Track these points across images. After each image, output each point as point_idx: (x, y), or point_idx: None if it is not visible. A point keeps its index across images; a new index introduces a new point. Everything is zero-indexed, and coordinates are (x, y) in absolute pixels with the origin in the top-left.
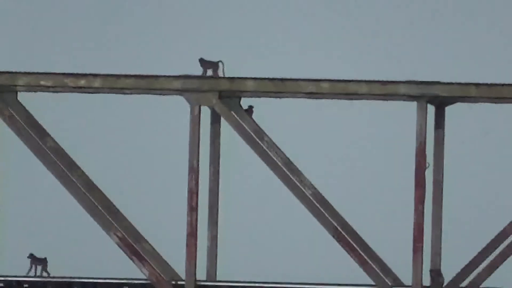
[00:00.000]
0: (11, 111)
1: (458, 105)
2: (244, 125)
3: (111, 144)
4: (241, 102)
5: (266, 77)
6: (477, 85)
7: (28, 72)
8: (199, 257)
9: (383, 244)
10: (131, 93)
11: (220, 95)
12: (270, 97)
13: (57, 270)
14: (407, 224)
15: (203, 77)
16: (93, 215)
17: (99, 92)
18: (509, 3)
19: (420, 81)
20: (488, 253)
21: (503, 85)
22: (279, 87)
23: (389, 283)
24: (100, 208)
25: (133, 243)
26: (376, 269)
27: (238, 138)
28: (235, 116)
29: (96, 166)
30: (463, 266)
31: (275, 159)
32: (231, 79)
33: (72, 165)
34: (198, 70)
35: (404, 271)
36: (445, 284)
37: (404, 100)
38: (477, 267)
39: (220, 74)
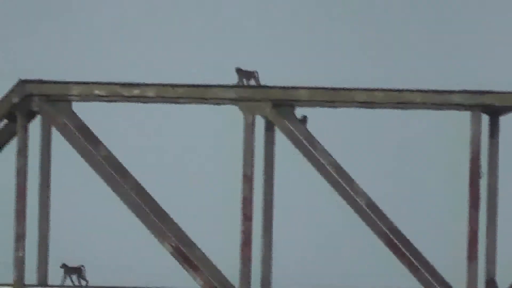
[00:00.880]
0: (64, 121)
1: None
2: (297, 134)
3: (165, 152)
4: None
5: (319, 86)
6: None
7: (82, 81)
8: (253, 266)
9: (436, 251)
10: (184, 103)
11: (274, 104)
12: (323, 106)
13: (108, 278)
14: (461, 232)
15: (256, 86)
16: (146, 223)
17: (152, 102)
18: None
19: (474, 91)
20: None
21: None
22: (332, 96)
23: None
24: (152, 216)
25: (186, 252)
26: (428, 276)
27: (292, 146)
28: (288, 124)
29: (148, 174)
30: None
31: (328, 167)
32: (284, 88)
33: (124, 173)
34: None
35: (457, 280)
36: None
37: (458, 109)
38: None
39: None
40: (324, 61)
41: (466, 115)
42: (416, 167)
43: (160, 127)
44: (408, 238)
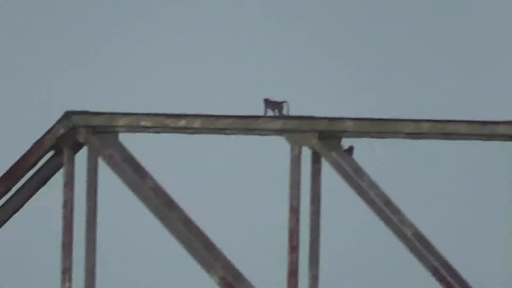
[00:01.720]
0: (111, 152)
1: None
2: (344, 165)
3: (211, 184)
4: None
5: (366, 117)
6: None
7: (128, 112)
8: None
9: (487, 285)
10: (230, 134)
11: (320, 135)
12: (370, 137)
13: None
14: None
15: (302, 117)
16: (194, 255)
17: (198, 133)
18: None
19: None
20: None
21: None
22: (378, 128)
23: None
24: (200, 247)
25: (233, 283)
26: None
27: (338, 177)
28: (335, 155)
29: (195, 205)
30: None
31: (375, 198)
32: (331, 119)
33: (172, 205)
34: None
35: None
36: None
37: (504, 140)
38: None
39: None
40: (370, 92)
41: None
42: (463, 198)
43: (206, 158)
44: (457, 270)
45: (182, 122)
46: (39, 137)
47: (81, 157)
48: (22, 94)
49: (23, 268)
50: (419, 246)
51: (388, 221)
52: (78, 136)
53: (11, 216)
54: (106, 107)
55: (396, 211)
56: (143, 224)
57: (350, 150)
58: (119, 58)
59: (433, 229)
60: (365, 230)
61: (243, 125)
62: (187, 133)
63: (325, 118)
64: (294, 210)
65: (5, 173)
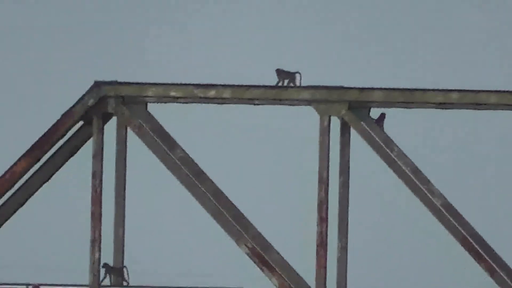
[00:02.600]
0: (140, 122)
1: None
2: (373, 135)
3: (240, 154)
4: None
5: (395, 87)
6: None
7: (158, 83)
8: (328, 268)
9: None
10: (260, 104)
11: (349, 105)
12: (398, 107)
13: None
14: None
15: (332, 87)
16: (222, 225)
17: (228, 103)
18: None
19: None
20: None
21: None
22: (407, 98)
23: None
24: (228, 217)
25: (262, 253)
26: (506, 278)
27: (368, 147)
28: (365, 126)
29: (225, 176)
30: None
31: (404, 168)
32: (360, 89)
33: (201, 175)
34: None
35: None
36: None
37: None
38: None
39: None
40: (399, 62)
41: None
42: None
43: (236, 129)
44: (485, 239)
45: (212, 92)
46: (68, 107)
47: (110, 128)
48: (52, 65)
49: (53, 239)
50: (448, 216)
51: (417, 191)
52: (108, 107)
53: (41, 186)
54: (135, 78)
55: (425, 181)
56: (172, 195)
57: (382, 117)
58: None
59: (462, 200)
60: (394, 200)
61: (273, 95)
62: (216, 103)
63: (354, 88)
64: (323, 181)
65: (34, 143)
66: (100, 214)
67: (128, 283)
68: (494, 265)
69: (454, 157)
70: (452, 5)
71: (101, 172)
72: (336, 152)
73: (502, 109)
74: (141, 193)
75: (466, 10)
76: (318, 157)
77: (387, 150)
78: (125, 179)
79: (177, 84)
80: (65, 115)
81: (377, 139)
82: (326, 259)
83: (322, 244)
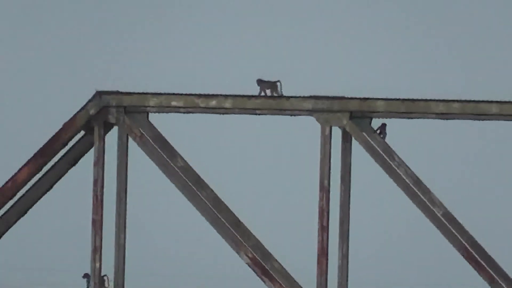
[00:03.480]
0: (141, 131)
1: None
2: (374, 145)
3: (241, 164)
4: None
5: (397, 97)
6: None
7: (159, 92)
8: (330, 276)
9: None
10: (261, 114)
11: (351, 115)
12: (400, 117)
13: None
14: None
15: (333, 97)
16: (223, 234)
17: (229, 113)
18: None
19: None
20: None
21: None
22: (409, 108)
23: None
24: (229, 226)
25: (263, 262)
26: (505, 287)
27: (368, 157)
28: (366, 136)
29: (225, 185)
30: None
31: (405, 177)
32: (362, 99)
33: (201, 184)
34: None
35: None
36: None
37: None
38: None
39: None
40: (399, 72)
41: None
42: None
43: (237, 139)
44: (485, 248)
45: (213, 102)
46: (70, 116)
47: (111, 137)
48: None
49: (54, 247)
50: (448, 225)
51: (417, 201)
52: (109, 116)
53: (43, 194)
54: (136, 88)
55: (426, 190)
56: (172, 203)
57: (383, 127)
58: (150, 38)
59: (462, 210)
60: (394, 209)
61: (274, 105)
62: (218, 113)
63: (356, 98)
64: (325, 190)
65: (37, 152)
66: (101, 222)
67: None
68: (493, 274)
69: (455, 166)
70: (454, 15)
71: (103, 180)
72: (338, 161)
73: (503, 120)
74: (143, 201)
75: (469, 20)
76: (319, 166)
77: (388, 160)
78: (126, 187)
79: (178, 94)
80: (67, 124)
81: (378, 148)
82: (327, 267)
83: (323, 252)
